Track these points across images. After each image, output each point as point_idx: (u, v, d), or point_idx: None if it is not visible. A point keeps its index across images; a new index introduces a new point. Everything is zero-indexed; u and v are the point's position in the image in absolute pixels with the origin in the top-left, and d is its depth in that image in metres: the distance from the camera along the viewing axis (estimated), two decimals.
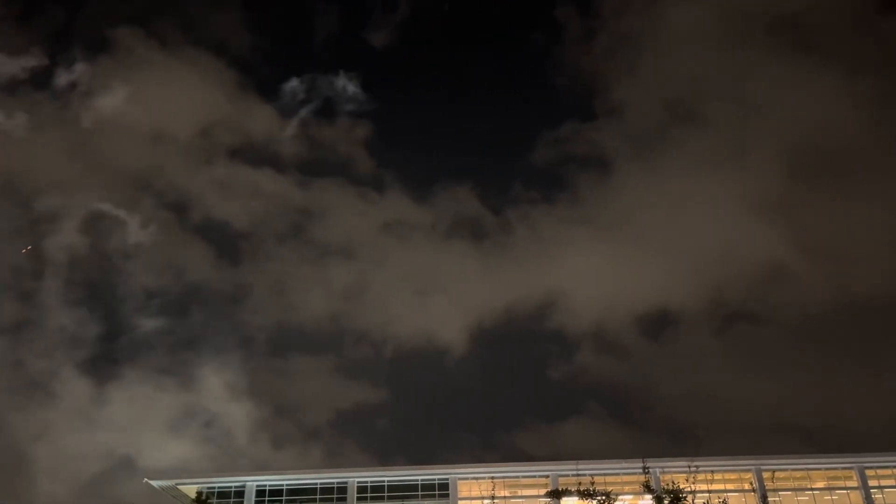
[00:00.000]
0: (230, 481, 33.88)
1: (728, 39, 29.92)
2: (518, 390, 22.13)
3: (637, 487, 30.93)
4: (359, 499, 34.66)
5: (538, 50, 32.27)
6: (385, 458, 25.64)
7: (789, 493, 34.49)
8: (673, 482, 23.85)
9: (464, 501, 35.57)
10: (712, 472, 32.45)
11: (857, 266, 23.39)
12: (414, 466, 32.08)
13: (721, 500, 24.79)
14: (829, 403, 19.01)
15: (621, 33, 32.30)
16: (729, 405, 19.88)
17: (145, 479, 31.19)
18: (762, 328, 25.95)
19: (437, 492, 34.80)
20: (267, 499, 34.31)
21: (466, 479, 36.02)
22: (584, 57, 30.38)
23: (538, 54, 32.93)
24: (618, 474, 33.65)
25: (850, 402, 20.23)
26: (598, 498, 23.50)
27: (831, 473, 35.75)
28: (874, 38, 30.39)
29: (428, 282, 25.41)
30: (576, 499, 24.94)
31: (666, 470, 32.24)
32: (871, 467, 35.19)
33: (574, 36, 30.28)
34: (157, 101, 34.41)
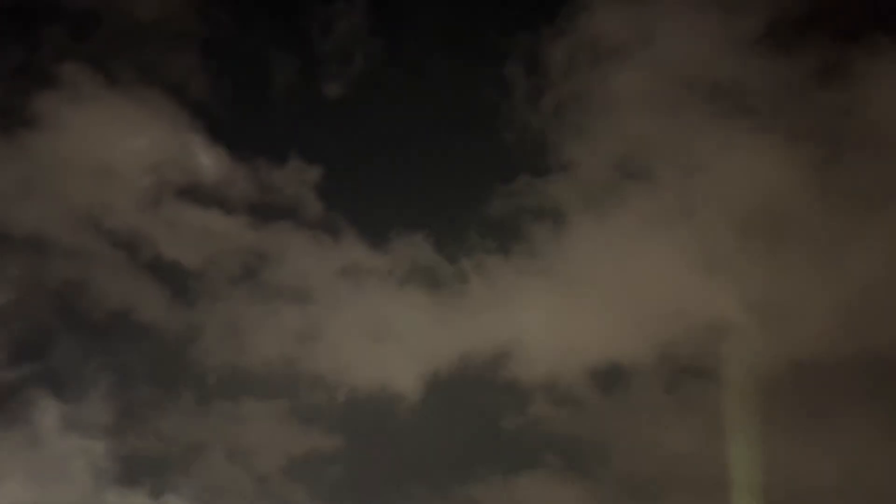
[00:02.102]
0: None
1: (671, 101, 31.08)
2: (473, 441, 21.69)
3: None
4: None
5: (488, 106, 32.92)
6: None
7: None
8: None
9: None
10: None
11: (802, 325, 23.93)
12: None
13: None
14: (779, 460, 19.14)
15: (568, 93, 33.22)
16: (682, 461, 19.88)
17: None
18: (712, 384, 26.17)
19: None
20: None
21: None
22: (533, 115, 31.21)
23: (488, 110, 33.61)
24: None
25: (799, 460, 20.38)
26: None
27: None
28: (813, 106, 31.71)
29: (383, 328, 25.15)
30: None
31: None
32: None
33: (522, 93, 31.14)
34: (103, 138, 33.76)
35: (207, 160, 24.07)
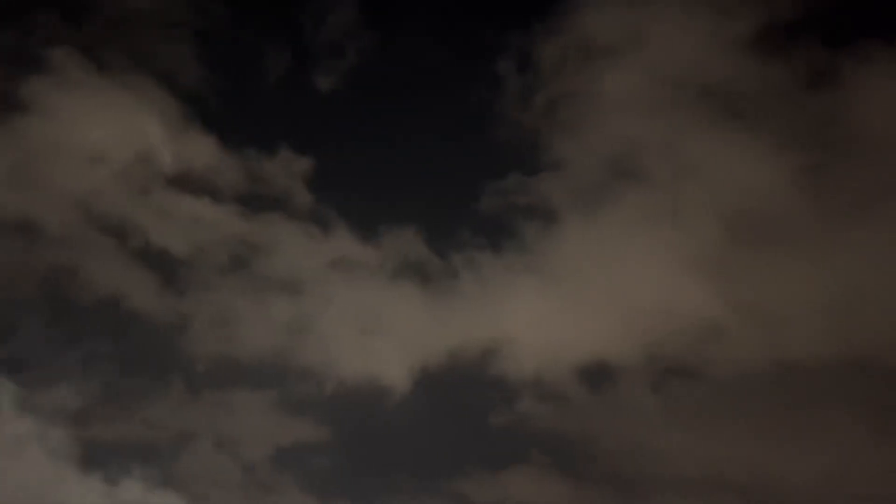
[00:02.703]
0: None
1: (661, 102, 31.11)
2: (460, 435, 21.77)
3: None
4: None
5: (480, 102, 32.81)
6: (324, 499, 24.85)
7: None
8: None
9: None
10: None
11: (788, 328, 24.12)
12: None
13: None
14: (763, 461, 19.24)
15: (560, 91, 33.15)
16: (668, 460, 19.97)
17: None
18: (698, 384, 26.44)
19: None
20: None
21: None
22: (525, 113, 31.09)
23: (480, 106, 33.47)
24: None
25: (783, 461, 20.48)
26: None
27: None
28: (802, 111, 31.95)
29: (373, 322, 25.05)
30: None
31: None
32: None
33: (515, 91, 31.03)
34: (93, 124, 33.56)
35: (198, 149, 24.01)
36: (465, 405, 20.83)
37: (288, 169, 23.41)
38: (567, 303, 21.52)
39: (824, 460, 17.78)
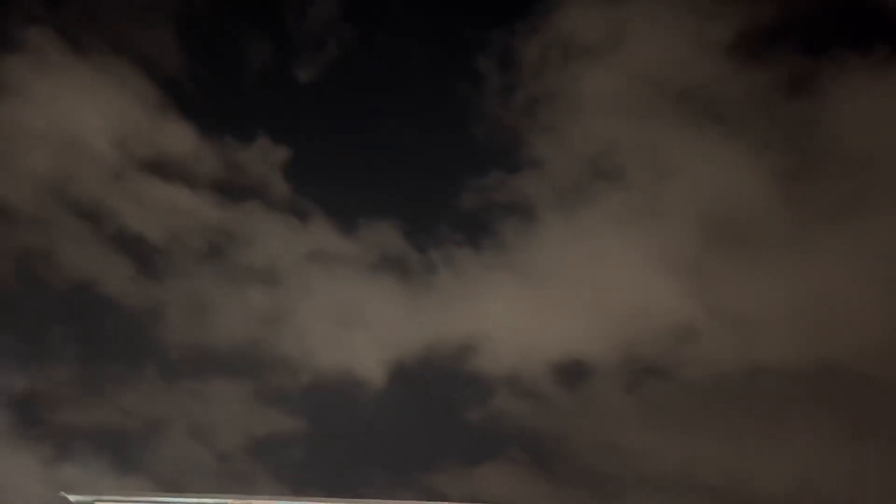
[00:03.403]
0: (152, 500, 31.89)
1: (640, 104, 31.31)
2: (435, 430, 21.78)
3: None
4: None
5: (460, 98, 32.73)
6: (298, 489, 24.76)
7: None
8: None
9: None
10: None
11: (761, 332, 24.48)
12: (327, 499, 30.22)
13: None
14: (736, 463, 19.57)
15: (540, 90, 33.27)
16: (641, 460, 20.15)
17: (61, 492, 29.32)
18: (671, 385, 26.68)
19: None
20: None
21: None
22: (505, 110, 31.12)
23: (460, 102, 33.40)
24: None
25: (756, 464, 20.68)
26: None
27: None
28: (781, 117, 32.21)
29: (350, 314, 24.99)
30: None
31: None
32: None
33: (495, 88, 30.97)
34: (69, 106, 33.13)
35: (175, 136, 23.78)
36: (440, 400, 20.81)
37: (265, 158, 23.21)
38: (544, 301, 21.55)
39: (794, 462, 17.93)
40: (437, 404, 19.66)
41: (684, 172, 20.54)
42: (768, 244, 20.99)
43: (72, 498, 21.46)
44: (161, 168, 22.77)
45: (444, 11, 22.30)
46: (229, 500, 19.32)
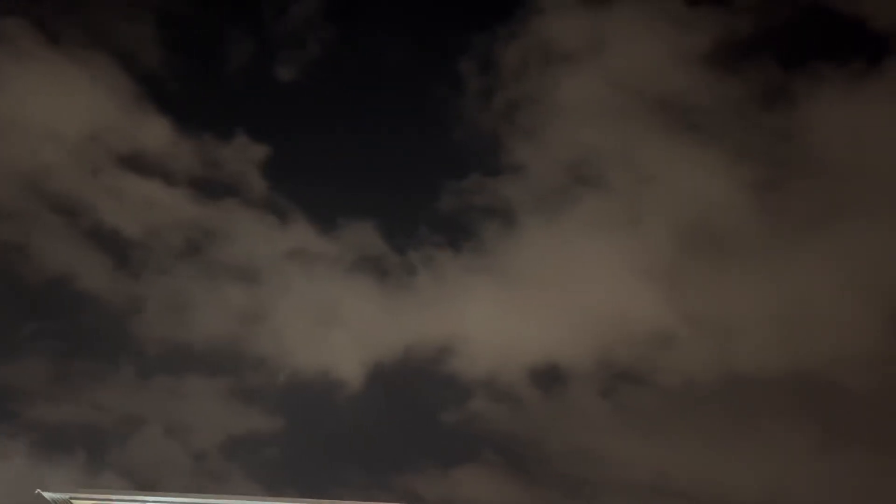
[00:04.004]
0: (128, 499, 31.36)
1: (619, 110, 31.29)
2: (412, 432, 21.57)
3: None
4: None
5: (440, 100, 32.43)
6: (274, 489, 24.55)
7: None
8: None
9: None
10: None
11: (737, 339, 24.54)
12: (303, 499, 29.77)
13: None
14: (710, 469, 19.59)
15: (520, 94, 33.01)
16: (615, 465, 20.13)
17: (37, 490, 28.83)
18: (647, 391, 26.62)
19: None
20: None
21: None
22: (485, 113, 30.93)
23: (440, 104, 33.09)
24: None
25: (728, 469, 20.85)
26: None
27: None
28: (756, 127, 32.23)
29: (328, 314, 24.72)
30: None
31: None
32: None
33: (475, 91, 30.71)
34: (45, 99, 32.46)
35: (152, 131, 23.59)
36: (417, 402, 20.78)
37: (243, 155, 23.04)
38: (522, 305, 21.59)
39: (768, 469, 18.08)
40: (415, 406, 19.60)
41: (662, 179, 20.76)
42: (744, 252, 21.19)
43: (47, 495, 21.22)
44: (138, 163, 22.52)
45: (426, 13, 22.22)
46: (205, 499, 19.21)
